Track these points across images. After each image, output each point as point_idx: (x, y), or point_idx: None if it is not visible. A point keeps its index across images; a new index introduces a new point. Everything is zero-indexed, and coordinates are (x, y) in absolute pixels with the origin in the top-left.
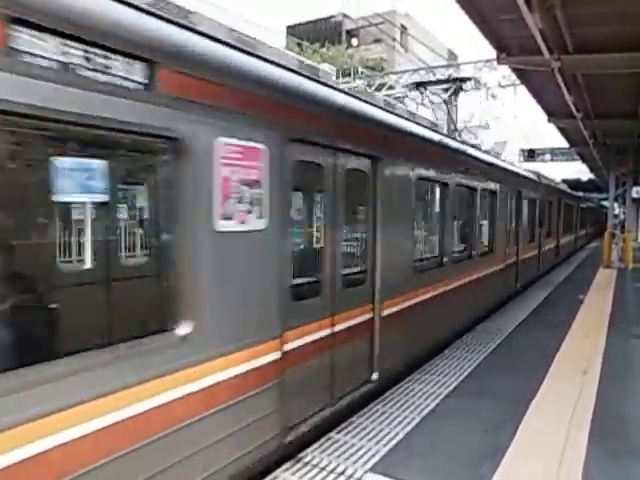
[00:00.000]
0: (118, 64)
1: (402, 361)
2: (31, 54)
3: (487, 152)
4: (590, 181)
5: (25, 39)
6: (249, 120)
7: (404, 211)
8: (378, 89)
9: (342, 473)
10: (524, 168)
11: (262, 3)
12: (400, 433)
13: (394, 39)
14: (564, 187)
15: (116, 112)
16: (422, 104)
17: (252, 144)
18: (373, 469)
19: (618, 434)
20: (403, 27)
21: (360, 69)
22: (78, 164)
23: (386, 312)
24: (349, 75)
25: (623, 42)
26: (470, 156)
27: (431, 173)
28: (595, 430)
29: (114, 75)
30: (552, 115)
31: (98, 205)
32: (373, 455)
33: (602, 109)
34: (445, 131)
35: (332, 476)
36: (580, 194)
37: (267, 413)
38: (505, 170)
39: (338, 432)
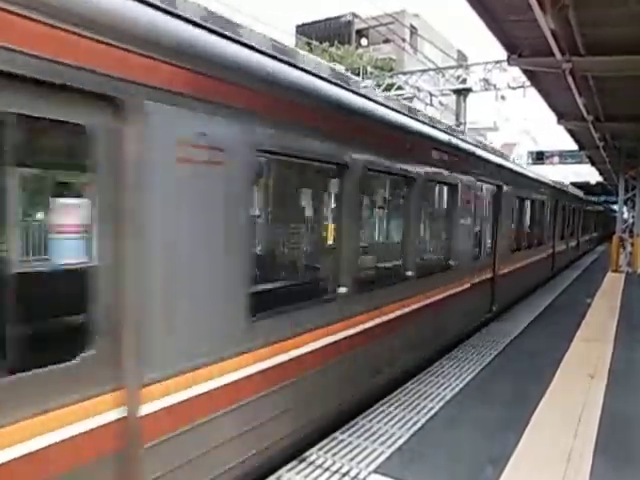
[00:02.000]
0: None
1: (505, 302)
2: None
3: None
4: (598, 184)
5: None
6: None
7: (510, 215)
8: (387, 89)
9: (346, 474)
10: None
11: (272, 2)
12: (405, 435)
13: (404, 39)
14: (584, 195)
15: None
16: (431, 105)
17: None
18: (377, 470)
19: (625, 440)
20: (413, 27)
21: (369, 69)
22: None
23: (500, 273)
24: (358, 75)
25: (635, 44)
26: (544, 183)
27: (523, 193)
28: (602, 436)
29: None
30: (562, 117)
31: None
32: (377, 456)
33: (613, 112)
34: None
35: (336, 476)
36: (595, 199)
37: (466, 312)
38: (552, 187)
39: (342, 432)
